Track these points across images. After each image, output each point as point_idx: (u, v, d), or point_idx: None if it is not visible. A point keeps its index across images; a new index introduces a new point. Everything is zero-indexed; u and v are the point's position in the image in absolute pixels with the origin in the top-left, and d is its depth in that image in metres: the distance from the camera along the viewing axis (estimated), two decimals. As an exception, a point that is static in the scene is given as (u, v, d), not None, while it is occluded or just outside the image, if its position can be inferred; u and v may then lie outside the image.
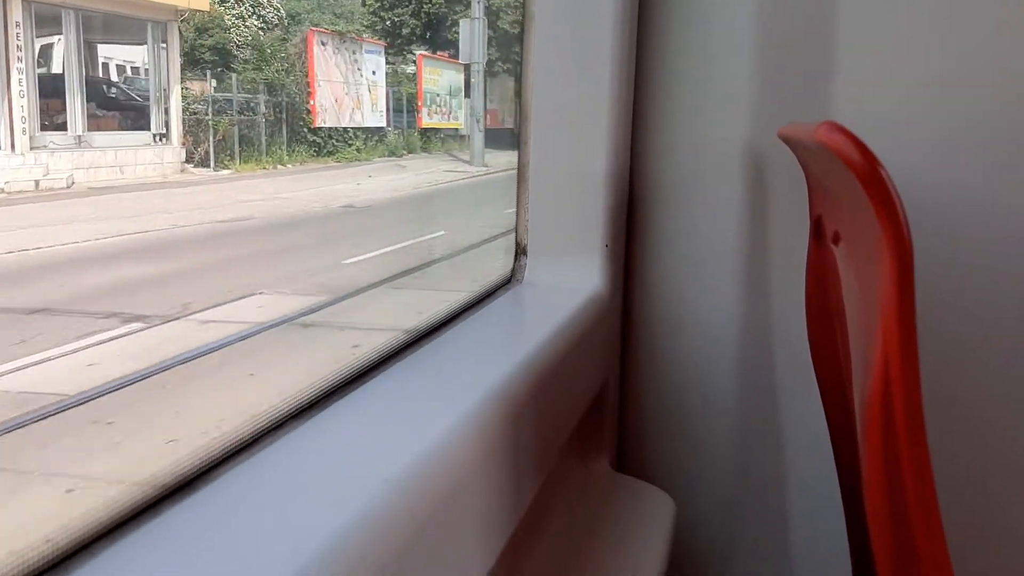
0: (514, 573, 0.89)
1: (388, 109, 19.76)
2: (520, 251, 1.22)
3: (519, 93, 1.24)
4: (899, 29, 1.15)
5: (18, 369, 4.78)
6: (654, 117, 1.25)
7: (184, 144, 14.42)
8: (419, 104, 19.84)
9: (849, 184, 0.63)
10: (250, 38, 17.09)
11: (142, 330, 5.61)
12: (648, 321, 1.28)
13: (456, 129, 21.41)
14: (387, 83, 19.96)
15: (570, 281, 1.19)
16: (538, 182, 1.20)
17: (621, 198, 1.24)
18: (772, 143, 1.18)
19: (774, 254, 1.23)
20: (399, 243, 9.24)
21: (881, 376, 0.61)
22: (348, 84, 18.43)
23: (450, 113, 21.16)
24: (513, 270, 1.21)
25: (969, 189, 1.14)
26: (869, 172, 0.58)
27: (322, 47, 17.66)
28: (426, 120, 20.03)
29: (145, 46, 14.70)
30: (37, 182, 11.47)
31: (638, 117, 1.25)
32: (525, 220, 1.21)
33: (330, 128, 17.39)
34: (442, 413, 0.71)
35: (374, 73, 19.62)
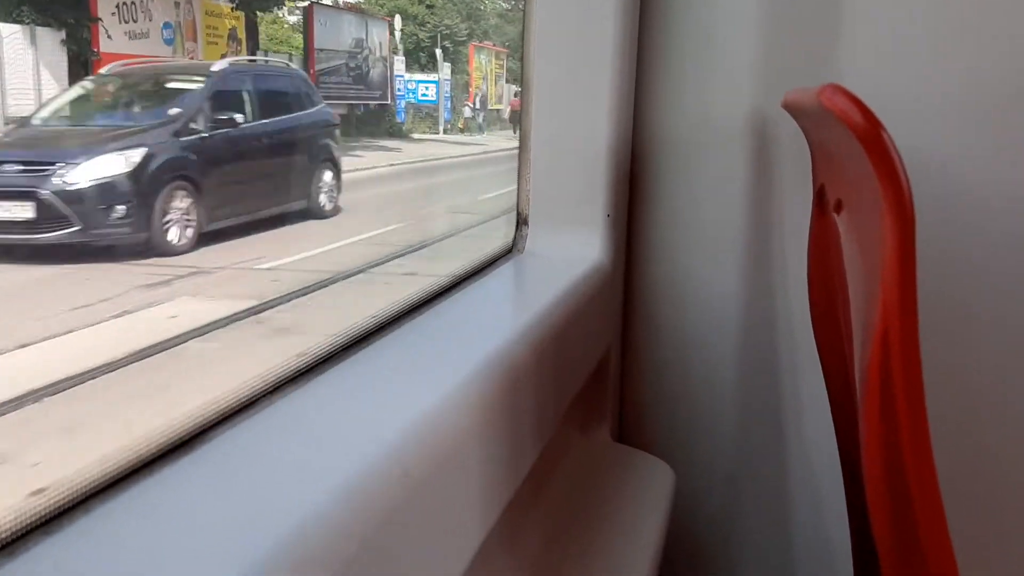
0: (512, 538, 0.90)
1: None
2: (521, 221, 1.21)
3: (521, 60, 1.23)
4: None
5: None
6: (657, 87, 1.24)
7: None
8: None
9: (851, 148, 0.63)
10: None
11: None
12: (650, 292, 1.27)
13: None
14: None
15: (572, 251, 1.18)
16: (540, 152, 1.20)
17: (623, 168, 1.23)
18: (775, 113, 1.17)
19: (777, 225, 1.23)
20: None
21: (880, 343, 0.61)
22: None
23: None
24: (514, 240, 1.21)
25: (975, 158, 1.13)
26: (871, 134, 0.58)
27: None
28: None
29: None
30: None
31: (641, 87, 1.24)
32: (527, 190, 1.21)
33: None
34: (438, 379, 0.71)
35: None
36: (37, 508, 0.45)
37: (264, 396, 0.62)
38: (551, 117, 1.20)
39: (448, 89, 16.87)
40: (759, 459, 1.26)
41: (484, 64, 20.43)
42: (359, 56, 11.22)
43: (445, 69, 16.50)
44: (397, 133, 12.84)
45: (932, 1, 1.13)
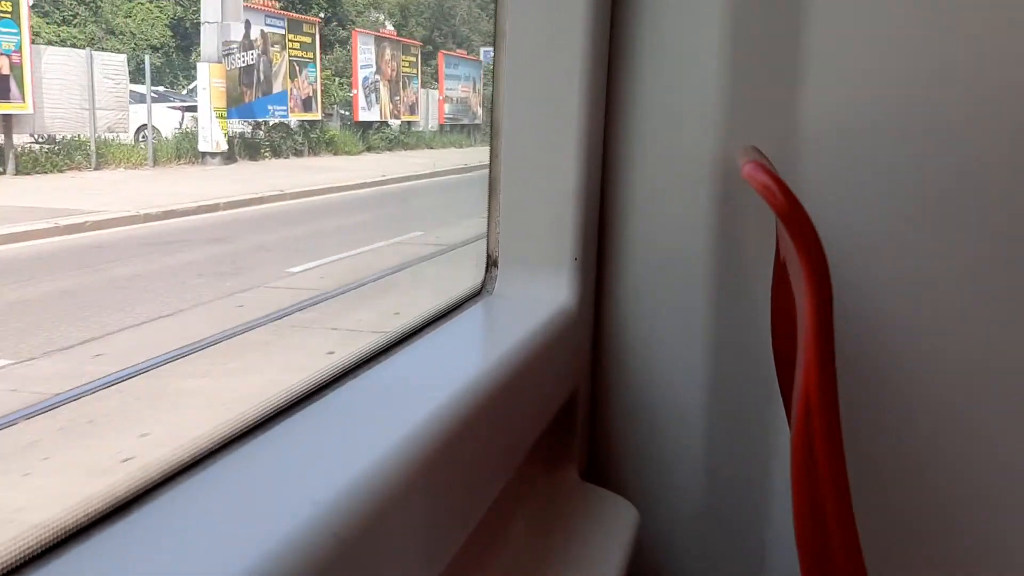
0: None
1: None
2: (491, 263, 1.24)
3: (491, 106, 1.25)
4: (867, 41, 1.17)
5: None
6: (625, 130, 1.26)
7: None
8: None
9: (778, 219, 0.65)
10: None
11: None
12: (618, 333, 1.29)
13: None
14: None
15: (540, 293, 1.20)
16: (509, 194, 1.22)
17: (592, 211, 1.25)
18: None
19: (744, 266, 1.25)
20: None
21: (803, 405, 0.63)
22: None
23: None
24: (484, 282, 1.23)
25: (933, 200, 1.16)
26: (789, 211, 0.60)
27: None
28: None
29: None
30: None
31: (609, 130, 1.26)
32: (497, 232, 1.23)
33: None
34: (385, 432, 0.73)
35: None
36: None
37: (208, 455, 0.65)
38: (521, 160, 1.22)
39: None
40: (726, 500, 1.28)
41: (381, 58, 17.15)
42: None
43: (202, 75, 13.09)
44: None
45: (895, 44, 1.16)
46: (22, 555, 0.49)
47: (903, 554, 1.20)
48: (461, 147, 19.32)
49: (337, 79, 17.08)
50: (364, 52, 17.30)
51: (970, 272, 1.15)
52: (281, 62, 14.73)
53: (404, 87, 18.38)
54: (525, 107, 1.22)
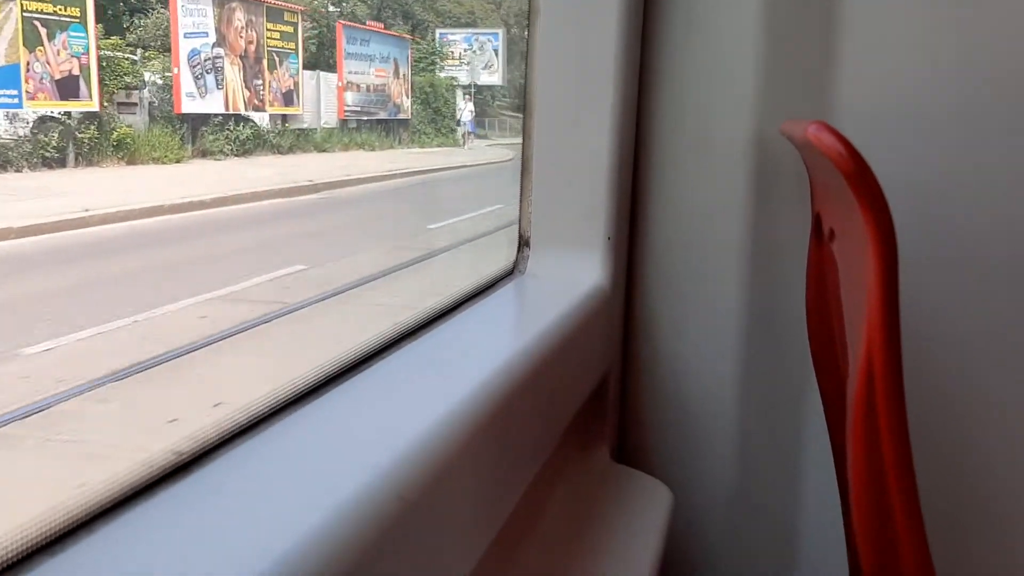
0: (509, 557, 0.91)
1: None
2: (523, 242, 1.23)
3: (525, 86, 1.24)
4: (903, 21, 1.16)
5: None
6: (658, 110, 1.25)
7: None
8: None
9: (839, 182, 0.64)
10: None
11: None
12: (650, 314, 1.29)
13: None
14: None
15: (572, 273, 1.20)
16: (542, 174, 1.21)
17: (624, 191, 1.24)
18: (776, 137, 1.18)
19: (776, 248, 1.24)
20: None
21: (865, 372, 0.62)
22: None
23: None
24: (516, 261, 1.23)
25: (969, 182, 1.14)
26: (856, 171, 0.59)
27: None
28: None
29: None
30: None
31: (642, 110, 1.25)
32: (528, 212, 1.22)
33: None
34: (433, 403, 0.72)
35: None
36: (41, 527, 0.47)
37: (263, 420, 0.64)
38: (553, 139, 1.21)
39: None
40: (758, 481, 1.27)
41: (225, 24, 10.98)
42: None
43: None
44: None
45: (929, 26, 1.15)
46: (93, 509, 0.48)
47: (964, 539, 1.18)
48: (374, 149, 15.33)
49: (142, 51, 11.66)
50: (192, 14, 11.64)
51: (1011, 250, 1.14)
52: None
53: (273, 67, 13.00)
54: (558, 86, 1.21)
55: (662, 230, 1.27)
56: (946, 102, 1.15)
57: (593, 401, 1.19)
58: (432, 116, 18.88)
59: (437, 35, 21.39)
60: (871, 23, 1.16)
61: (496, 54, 21.68)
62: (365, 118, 16.05)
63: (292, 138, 13.44)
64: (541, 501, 1.05)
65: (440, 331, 0.99)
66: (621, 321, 1.28)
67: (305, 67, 13.79)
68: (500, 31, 22.41)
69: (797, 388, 1.24)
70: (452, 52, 21.29)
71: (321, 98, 14.29)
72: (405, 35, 18.87)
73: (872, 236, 0.59)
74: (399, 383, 0.81)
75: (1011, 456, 1.16)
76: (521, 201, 1.23)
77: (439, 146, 17.86)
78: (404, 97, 17.36)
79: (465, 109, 19.61)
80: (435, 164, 14.41)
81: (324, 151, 14.00)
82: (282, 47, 13.37)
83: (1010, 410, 1.16)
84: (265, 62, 12.94)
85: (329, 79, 14.57)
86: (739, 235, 1.23)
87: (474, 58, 21.31)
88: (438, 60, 20.75)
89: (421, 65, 19.85)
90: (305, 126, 14.06)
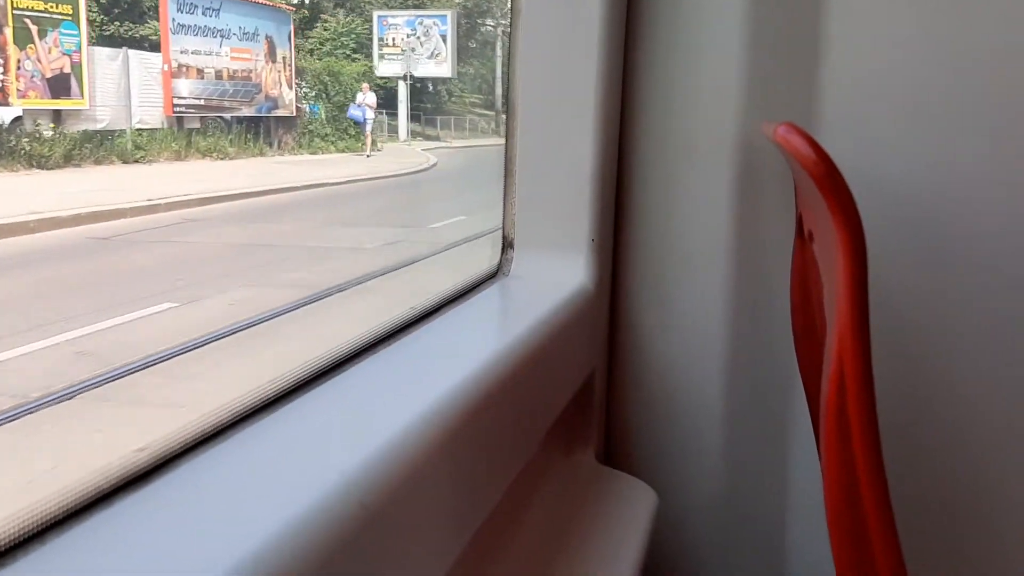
0: (488, 560, 0.90)
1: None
2: (507, 244, 1.22)
3: (507, 87, 1.24)
4: (886, 23, 1.15)
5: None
6: (642, 111, 1.25)
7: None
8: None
9: (810, 183, 0.63)
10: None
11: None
12: (636, 315, 1.28)
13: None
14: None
15: (556, 275, 1.19)
16: (525, 176, 1.21)
17: (609, 191, 1.24)
18: (760, 137, 1.18)
19: (762, 249, 1.23)
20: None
21: (836, 373, 0.62)
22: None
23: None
24: (500, 263, 1.22)
25: (952, 182, 1.14)
26: (824, 172, 0.59)
27: None
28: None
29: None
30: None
31: (626, 111, 1.25)
32: (512, 213, 1.22)
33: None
34: (405, 407, 0.72)
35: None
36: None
37: (230, 426, 0.63)
38: (537, 140, 1.21)
39: None
40: (744, 483, 1.26)
41: None
42: None
43: None
44: None
45: (914, 27, 1.14)
46: (43, 521, 0.48)
47: (935, 537, 1.18)
48: (227, 158, 11.04)
49: None
50: None
51: (991, 252, 1.14)
52: None
53: (25, 40, 8.78)
54: (541, 86, 1.20)
55: (647, 231, 1.26)
56: (931, 103, 1.14)
57: (578, 403, 1.18)
58: (336, 113, 15.20)
59: (376, 19, 18.18)
60: (854, 25, 1.16)
61: (444, 41, 18.45)
62: (216, 115, 11.86)
63: (69, 144, 9.15)
64: (523, 503, 1.04)
65: (420, 334, 0.99)
66: (606, 322, 1.28)
67: (97, 42, 9.59)
68: (449, 14, 18.83)
69: (783, 389, 1.23)
70: (392, 38, 18.09)
71: (132, 87, 10.10)
72: (282, 5, 13.63)
73: (841, 238, 0.58)
74: (374, 387, 0.80)
75: (986, 455, 1.16)
76: (505, 202, 1.22)
77: (346, 151, 14.15)
78: (284, 87, 13.19)
79: (363, 102, 15.10)
80: (296, 180, 10.01)
81: (136, 161, 9.94)
82: (45, 9, 9.04)
83: (985, 408, 1.15)
84: (8, 31, 8.70)
85: (147, 60, 10.44)
86: (724, 236, 1.23)
87: (417, 45, 18.10)
88: (347, 41, 17.11)
89: (326, 48, 16.47)
90: (101, 127, 10.02)
